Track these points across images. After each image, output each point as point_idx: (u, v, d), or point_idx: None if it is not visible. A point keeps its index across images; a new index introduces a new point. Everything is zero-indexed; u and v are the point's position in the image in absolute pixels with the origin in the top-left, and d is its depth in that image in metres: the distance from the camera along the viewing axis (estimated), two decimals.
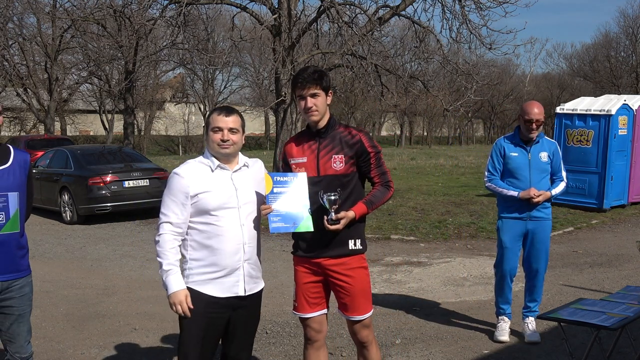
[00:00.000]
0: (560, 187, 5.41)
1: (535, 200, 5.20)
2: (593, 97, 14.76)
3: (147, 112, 43.70)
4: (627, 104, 13.27)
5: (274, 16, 13.30)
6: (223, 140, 3.38)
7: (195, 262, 3.41)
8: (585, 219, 11.95)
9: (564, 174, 5.48)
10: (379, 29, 13.66)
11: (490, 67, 35.01)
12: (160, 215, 3.40)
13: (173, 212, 3.35)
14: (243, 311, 3.51)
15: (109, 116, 39.67)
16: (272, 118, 43.62)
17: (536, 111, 5.24)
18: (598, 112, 12.99)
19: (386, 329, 5.87)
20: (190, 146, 44.54)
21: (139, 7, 13.71)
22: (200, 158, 3.50)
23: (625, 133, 13.13)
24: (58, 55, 30.03)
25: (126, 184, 12.60)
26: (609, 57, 50.90)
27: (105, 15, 19.46)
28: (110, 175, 12.48)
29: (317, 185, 3.59)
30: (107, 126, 39.98)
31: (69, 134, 38.36)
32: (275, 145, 14.77)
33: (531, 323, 5.45)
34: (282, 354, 5.28)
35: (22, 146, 20.83)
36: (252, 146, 48.39)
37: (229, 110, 3.48)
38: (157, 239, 3.38)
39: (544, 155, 5.35)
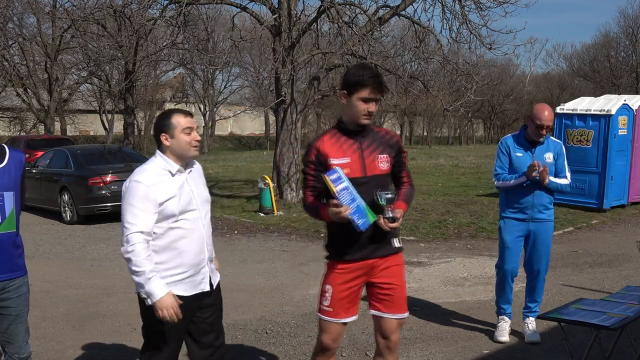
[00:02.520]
0: (562, 180, 5.30)
1: (541, 170, 5.02)
2: (593, 97, 14.76)
3: (147, 112, 43.67)
4: (627, 104, 13.27)
5: (274, 16, 13.30)
6: (197, 141, 3.44)
7: (159, 265, 3.35)
8: (585, 219, 11.96)
9: (568, 174, 5.39)
10: (379, 29, 13.67)
11: (490, 67, 35.08)
12: (127, 226, 3.27)
13: (144, 221, 3.27)
14: (209, 301, 3.60)
15: (109, 116, 39.63)
16: (272, 118, 43.60)
17: (547, 116, 5.13)
18: (598, 112, 12.99)
19: None
20: None
21: (139, 7, 13.71)
22: (158, 162, 3.44)
23: (625, 133, 13.14)
24: (58, 55, 30.02)
25: None
26: (609, 57, 50.91)
27: (105, 15, 19.47)
28: (110, 175, 12.47)
29: (364, 186, 3.46)
30: (107, 126, 39.95)
31: (69, 134, 38.35)
32: (275, 145, 14.76)
33: (531, 323, 5.45)
34: (282, 354, 5.28)
35: (22, 146, 20.86)
36: (252, 146, 48.42)
37: (188, 112, 3.51)
38: (129, 249, 3.24)
39: (548, 156, 5.26)
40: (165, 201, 3.33)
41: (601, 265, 8.38)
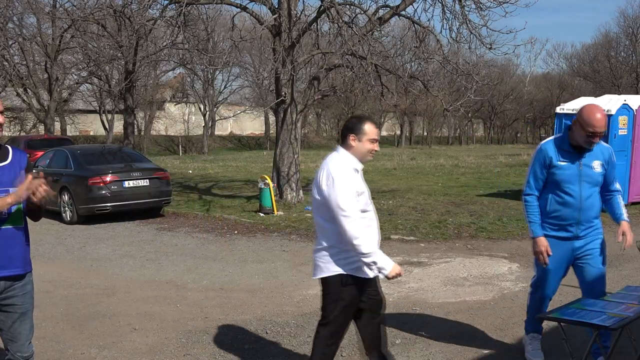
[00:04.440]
0: (621, 201, 4.67)
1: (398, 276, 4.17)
2: (593, 97, 14.78)
3: (147, 112, 43.73)
4: (627, 104, 13.29)
5: (274, 16, 13.30)
6: (375, 151, 3.97)
7: (348, 251, 3.86)
8: None
9: (617, 185, 4.72)
10: (379, 29, 13.67)
11: (491, 67, 35.10)
12: (347, 212, 3.72)
13: (355, 206, 3.78)
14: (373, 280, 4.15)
15: (109, 116, 39.66)
16: (272, 118, 43.58)
17: (601, 121, 4.35)
18: None
19: (386, 329, 5.86)
20: (190, 146, 44.53)
21: (139, 7, 13.70)
22: (347, 158, 3.91)
23: (626, 133, 13.14)
24: (58, 55, 30.04)
25: (126, 184, 12.59)
26: (609, 57, 50.95)
27: (105, 15, 19.46)
28: (110, 175, 12.47)
29: None
30: (107, 126, 39.97)
31: (69, 134, 38.36)
32: (275, 145, 14.76)
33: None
34: (283, 354, 5.28)
35: (22, 146, 20.87)
36: (252, 146, 48.42)
37: (376, 123, 4.09)
38: (357, 235, 3.73)
39: (597, 165, 4.54)
40: (360, 194, 3.85)
41: None
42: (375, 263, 3.81)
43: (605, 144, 4.67)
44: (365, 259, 3.80)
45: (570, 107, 13.76)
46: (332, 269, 3.93)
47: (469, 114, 51.76)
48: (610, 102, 13.35)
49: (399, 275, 3.91)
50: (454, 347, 5.34)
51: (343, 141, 3.96)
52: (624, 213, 4.62)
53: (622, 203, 4.69)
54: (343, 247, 3.86)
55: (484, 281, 7.63)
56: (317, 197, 3.89)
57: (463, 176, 21.78)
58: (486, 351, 5.25)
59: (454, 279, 7.80)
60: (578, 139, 4.46)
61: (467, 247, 9.74)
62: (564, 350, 4.63)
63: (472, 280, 7.70)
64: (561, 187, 4.54)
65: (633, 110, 13.27)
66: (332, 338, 4.09)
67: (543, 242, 4.56)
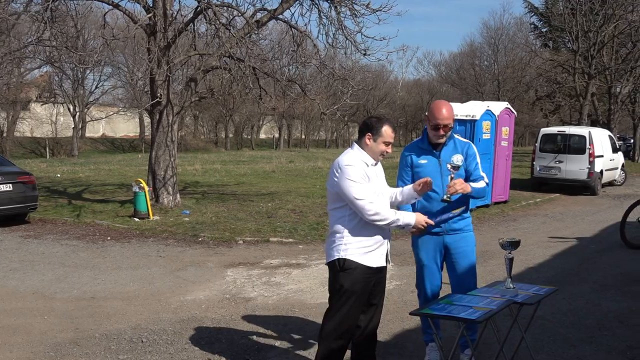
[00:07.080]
0: (480, 184, 4.75)
1: (425, 224, 4.30)
2: (460, 103, 15.65)
3: (10, 113, 40.96)
4: (490, 110, 14.19)
5: (149, 15, 12.91)
6: (388, 152, 4.20)
7: (354, 237, 4.10)
8: None
9: (484, 175, 4.85)
10: (256, 32, 13.65)
11: (365, 73, 36.08)
12: (359, 198, 3.99)
13: (367, 191, 4.03)
14: (382, 277, 4.33)
15: None
16: (147, 120, 42.28)
17: (445, 114, 4.59)
18: (464, 118, 13.76)
19: (265, 332, 5.87)
20: (58, 148, 42.20)
21: (0, 1, 12.82)
22: (358, 154, 4.17)
23: (489, 137, 14.00)
24: None
25: None
26: (473, 65, 54.00)
27: None
28: None
29: None
30: None
31: None
32: (150, 147, 14.34)
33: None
34: None
35: None
36: (126, 149, 46.73)
37: (394, 126, 4.33)
38: (373, 216, 4.02)
39: (457, 159, 4.61)
40: (368, 181, 4.08)
41: None
42: (399, 222, 4.11)
43: (463, 139, 4.89)
44: (390, 225, 4.12)
45: None
46: (332, 255, 4.15)
47: (345, 118, 52.96)
48: (475, 108, 14.20)
49: (426, 223, 4.20)
50: None
51: (359, 138, 4.21)
52: (474, 184, 4.67)
53: (480, 183, 4.73)
54: (344, 233, 4.11)
55: None
56: (328, 187, 4.20)
57: None
58: None
59: None
60: (430, 135, 4.73)
61: None
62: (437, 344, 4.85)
63: None
64: None
65: (495, 115, 14.19)
66: (336, 331, 4.14)
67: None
